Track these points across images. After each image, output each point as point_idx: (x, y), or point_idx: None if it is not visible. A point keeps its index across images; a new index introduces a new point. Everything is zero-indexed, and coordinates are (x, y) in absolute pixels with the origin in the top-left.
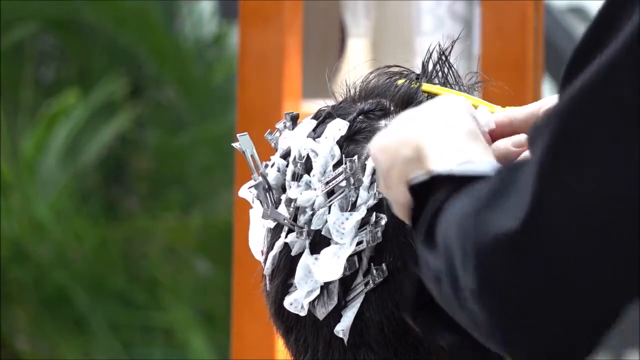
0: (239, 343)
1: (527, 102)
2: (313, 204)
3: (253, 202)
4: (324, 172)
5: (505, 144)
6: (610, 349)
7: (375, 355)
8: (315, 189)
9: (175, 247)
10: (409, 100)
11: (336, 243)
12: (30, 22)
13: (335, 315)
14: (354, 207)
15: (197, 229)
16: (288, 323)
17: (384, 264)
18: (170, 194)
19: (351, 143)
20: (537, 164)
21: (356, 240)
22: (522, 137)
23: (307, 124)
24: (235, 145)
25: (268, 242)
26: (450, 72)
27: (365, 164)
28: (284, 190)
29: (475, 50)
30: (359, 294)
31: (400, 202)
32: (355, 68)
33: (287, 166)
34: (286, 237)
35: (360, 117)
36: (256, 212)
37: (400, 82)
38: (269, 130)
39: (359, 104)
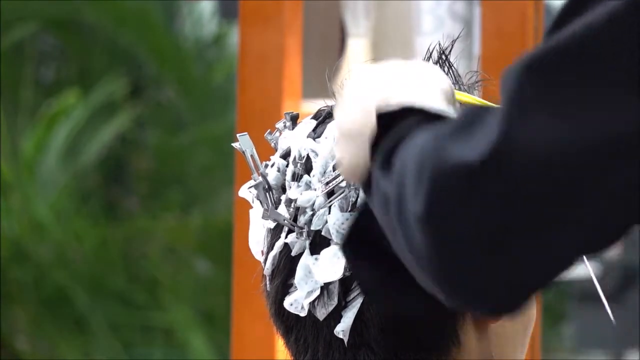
0: (239, 343)
1: None
2: (313, 204)
3: (253, 202)
4: (324, 172)
5: None
6: (610, 349)
7: (375, 355)
8: (315, 189)
9: (175, 247)
10: None
11: (336, 243)
12: (30, 22)
13: (335, 316)
14: (354, 207)
15: (197, 229)
16: (288, 323)
17: None
18: (170, 194)
19: None
20: (508, 102)
21: None
22: None
23: (307, 124)
24: (235, 145)
25: (268, 243)
26: (450, 71)
27: None
28: (284, 190)
29: (475, 50)
30: (359, 295)
31: (360, 133)
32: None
33: (287, 166)
34: (286, 237)
35: None
36: (256, 212)
37: None
38: (269, 130)
39: None
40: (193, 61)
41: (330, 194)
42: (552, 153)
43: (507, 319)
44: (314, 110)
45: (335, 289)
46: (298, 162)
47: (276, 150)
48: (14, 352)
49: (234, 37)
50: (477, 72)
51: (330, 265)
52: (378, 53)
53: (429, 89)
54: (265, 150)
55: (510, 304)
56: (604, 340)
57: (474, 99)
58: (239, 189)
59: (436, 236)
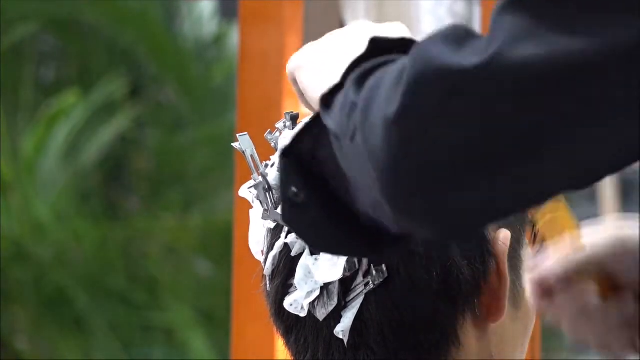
0: (239, 343)
1: None
2: None
3: (253, 202)
4: None
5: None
6: None
7: (375, 355)
8: None
9: (175, 247)
10: None
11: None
12: (30, 22)
13: (335, 316)
14: None
15: (197, 229)
16: (288, 323)
17: (384, 265)
18: (170, 194)
19: None
20: (508, 27)
21: None
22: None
23: None
24: (235, 145)
25: (268, 243)
26: None
27: None
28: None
29: None
30: (358, 295)
31: (345, 53)
32: None
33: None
34: (286, 237)
35: None
36: (256, 212)
37: None
38: (269, 130)
39: None
40: (193, 61)
41: None
42: (546, 66)
43: (507, 318)
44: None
45: (335, 289)
46: None
47: (276, 150)
48: (14, 352)
49: (234, 37)
50: None
51: (330, 265)
52: None
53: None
54: (266, 150)
55: (460, 230)
56: None
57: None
58: (239, 189)
59: (404, 138)
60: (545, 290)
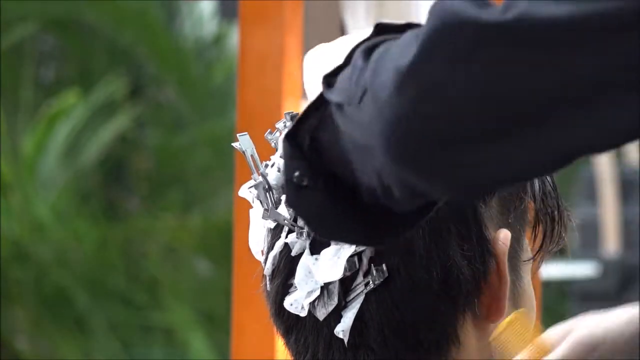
0: (239, 343)
1: None
2: None
3: (253, 202)
4: None
5: None
6: None
7: (375, 355)
8: None
9: (175, 247)
10: None
11: (336, 243)
12: (30, 22)
13: (335, 316)
14: None
15: (197, 229)
16: (288, 323)
17: (384, 265)
18: (170, 194)
19: None
20: None
21: None
22: None
23: None
24: (235, 145)
25: (268, 242)
26: None
27: None
28: (284, 190)
29: None
30: (359, 295)
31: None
32: None
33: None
34: (286, 237)
35: None
36: (256, 212)
37: None
38: (269, 130)
39: None
40: (193, 61)
41: None
42: (573, 21)
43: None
44: None
45: (335, 289)
46: None
47: (276, 150)
48: (14, 352)
49: (234, 37)
50: None
51: (330, 265)
52: None
53: None
54: (266, 150)
55: (469, 186)
56: None
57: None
58: (239, 189)
59: (418, 90)
60: None
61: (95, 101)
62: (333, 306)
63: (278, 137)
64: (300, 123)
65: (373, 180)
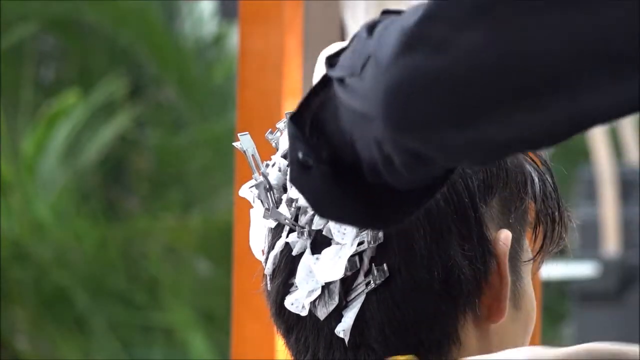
0: (239, 343)
1: None
2: None
3: (254, 201)
4: None
5: None
6: None
7: (376, 355)
8: None
9: (175, 247)
10: None
11: (337, 243)
12: (30, 22)
13: (336, 316)
14: None
15: (197, 229)
16: (289, 323)
17: (385, 264)
18: (170, 194)
19: None
20: None
21: (357, 240)
22: None
23: None
24: (236, 144)
25: (269, 242)
26: None
27: None
28: (285, 190)
29: None
30: (360, 294)
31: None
32: None
33: (288, 166)
34: (287, 236)
35: None
36: (257, 211)
37: None
38: (269, 130)
39: None
40: (193, 61)
41: None
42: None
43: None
44: None
45: (336, 289)
46: None
47: (277, 150)
48: (14, 352)
49: (234, 37)
50: None
51: (331, 264)
52: None
53: None
54: (266, 150)
55: (472, 152)
56: (604, 340)
57: None
58: (239, 189)
59: (424, 48)
60: None
61: (95, 101)
62: (334, 306)
63: (279, 137)
64: (304, 104)
65: (373, 152)
